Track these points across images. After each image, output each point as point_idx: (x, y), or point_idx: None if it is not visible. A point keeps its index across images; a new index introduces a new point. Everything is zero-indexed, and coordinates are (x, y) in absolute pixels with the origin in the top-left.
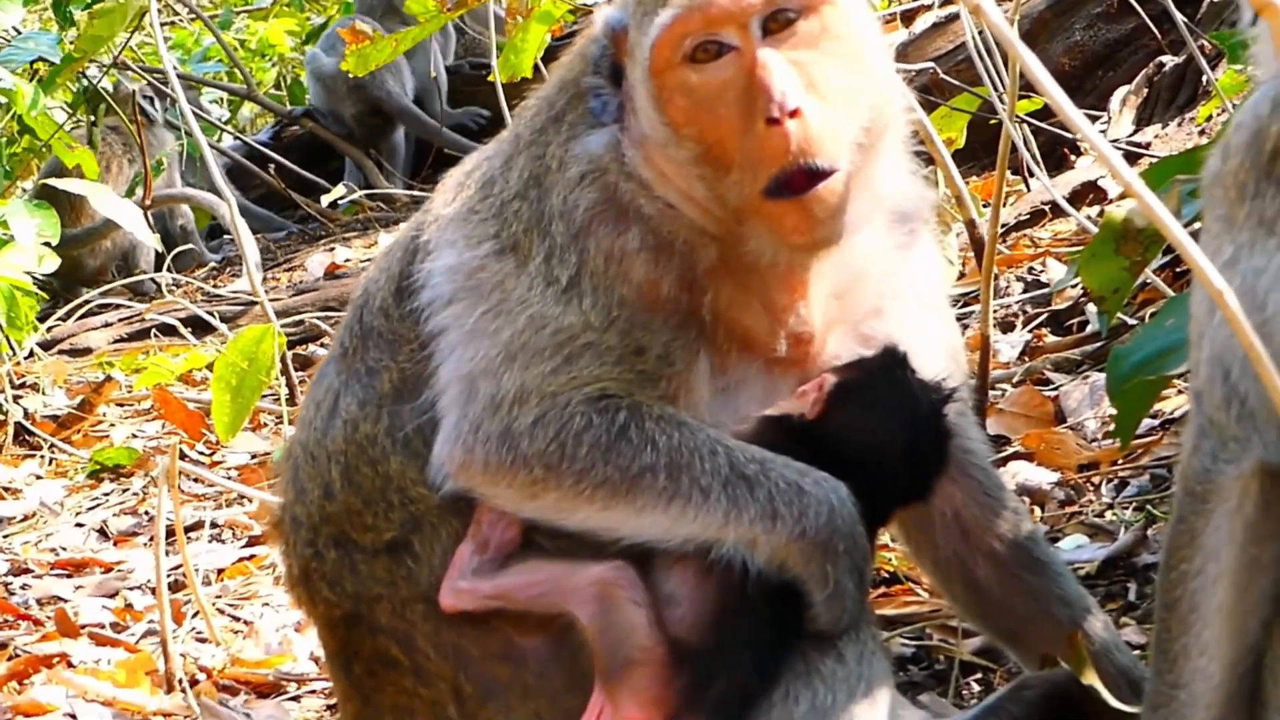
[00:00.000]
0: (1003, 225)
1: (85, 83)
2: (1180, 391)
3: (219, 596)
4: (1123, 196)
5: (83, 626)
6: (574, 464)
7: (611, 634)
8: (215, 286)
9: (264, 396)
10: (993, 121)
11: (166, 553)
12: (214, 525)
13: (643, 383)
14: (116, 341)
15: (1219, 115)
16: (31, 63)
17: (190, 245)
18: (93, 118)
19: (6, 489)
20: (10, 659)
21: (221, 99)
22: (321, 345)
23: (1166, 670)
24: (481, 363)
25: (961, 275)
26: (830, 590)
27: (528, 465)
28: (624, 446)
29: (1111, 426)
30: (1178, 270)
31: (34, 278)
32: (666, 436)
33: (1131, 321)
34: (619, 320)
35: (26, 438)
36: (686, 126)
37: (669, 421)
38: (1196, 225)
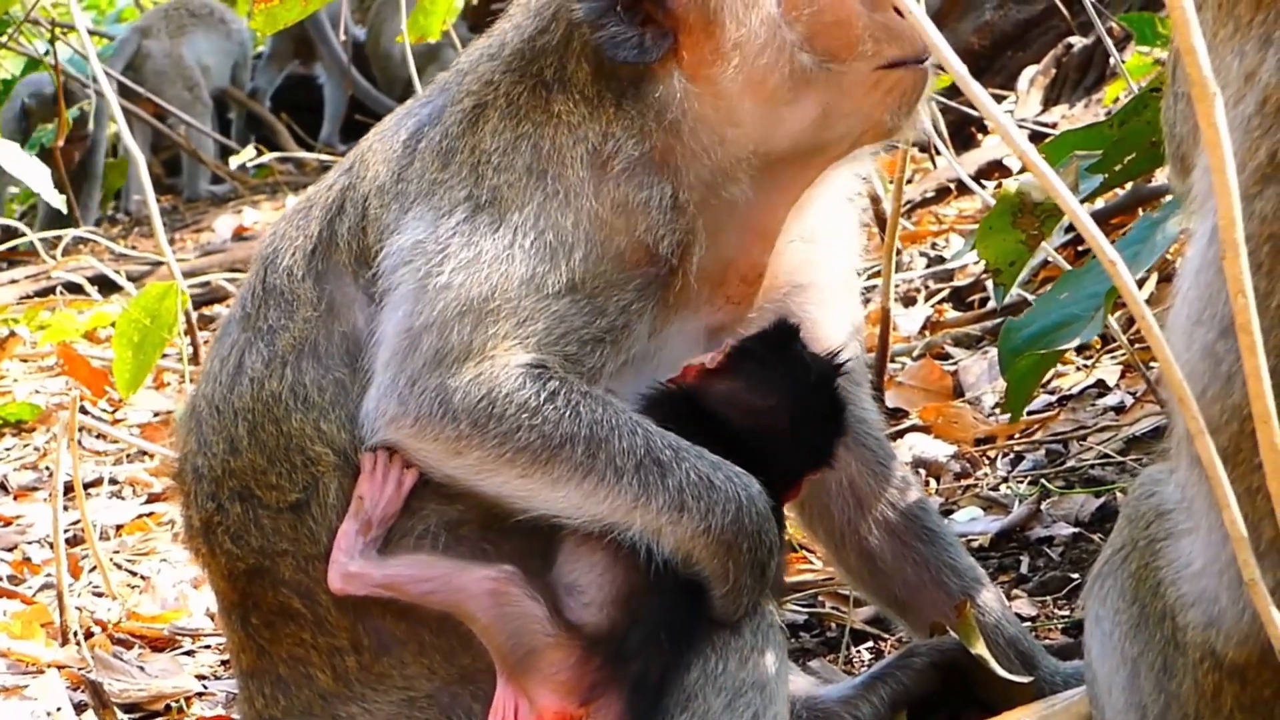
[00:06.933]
0: (908, 202)
1: None
2: (1078, 368)
3: (117, 551)
4: (1023, 171)
5: None
6: (501, 424)
7: (510, 625)
8: (125, 246)
9: (166, 355)
10: None
11: (66, 508)
12: (114, 482)
13: (582, 353)
14: (23, 298)
15: (1125, 97)
16: None
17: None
18: None
19: None
20: None
21: None
22: (227, 307)
23: None
24: (435, 316)
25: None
26: (729, 587)
27: (456, 420)
28: (550, 411)
29: None
30: (1079, 249)
31: None
32: (590, 410)
33: (1031, 298)
34: (601, 276)
35: None
36: (805, 7)
37: (595, 399)
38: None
